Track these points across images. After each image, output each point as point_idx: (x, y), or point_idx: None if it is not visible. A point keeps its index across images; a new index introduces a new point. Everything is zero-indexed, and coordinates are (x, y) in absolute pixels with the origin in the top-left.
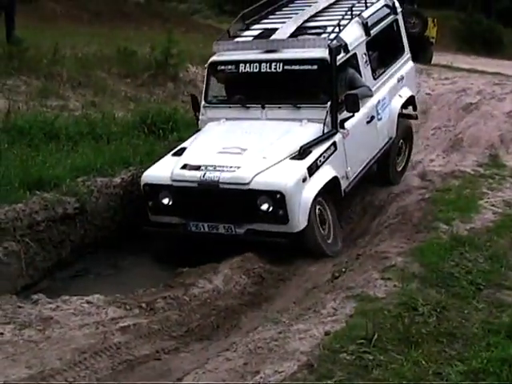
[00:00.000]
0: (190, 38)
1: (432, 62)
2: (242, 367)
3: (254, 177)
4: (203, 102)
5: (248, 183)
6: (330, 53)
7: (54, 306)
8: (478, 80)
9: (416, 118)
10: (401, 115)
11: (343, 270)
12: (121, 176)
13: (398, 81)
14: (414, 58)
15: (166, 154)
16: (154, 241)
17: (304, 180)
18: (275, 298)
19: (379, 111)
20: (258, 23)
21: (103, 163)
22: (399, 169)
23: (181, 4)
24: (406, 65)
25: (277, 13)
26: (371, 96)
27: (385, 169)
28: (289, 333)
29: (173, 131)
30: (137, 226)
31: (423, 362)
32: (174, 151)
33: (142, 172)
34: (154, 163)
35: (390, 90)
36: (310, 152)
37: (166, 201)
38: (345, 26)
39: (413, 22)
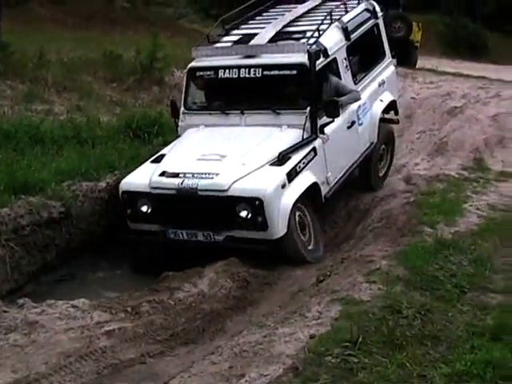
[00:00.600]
0: (175, 43)
1: (417, 66)
2: (227, 371)
3: (232, 184)
4: (182, 109)
5: (226, 190)
6: (309, 58)
7: (40, 310)
8: (463, 84)
9: (397, 122)
10: (382, 120)
11: (328, 273)
12: (106, 180)
13: (379, 85)
14: (399, 62)
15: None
16: (139, 245)
17: (283, 186)
18: (260, 302)
19: (360, 116)
20: (238, 28)
21: (88, 167)
22: (381, 174)
23: (167, 8)
24: (387, 69)
25: (257, 18)
26: (359, 99)
27: (366, 174)
28: (274, 336)
29: (158, 135)
30: (122, 231)
31: (408, 365)
32: (152, 158)
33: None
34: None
35: (370, 95)
36: (290, 158)
37: (144, 208)
38: (324, 30)
39: (398, 26)
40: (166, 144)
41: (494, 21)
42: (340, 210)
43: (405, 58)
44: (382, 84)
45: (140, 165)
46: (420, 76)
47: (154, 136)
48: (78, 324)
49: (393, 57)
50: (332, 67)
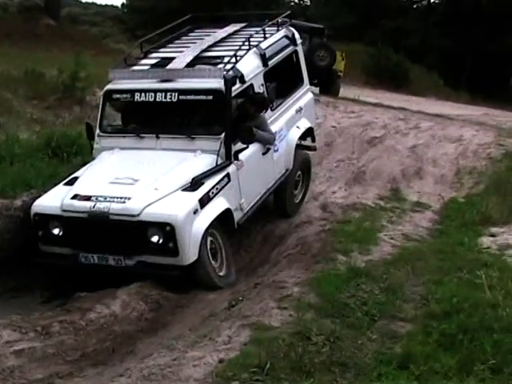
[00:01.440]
0: (99, 62)
1: (339, 95)
2: None
3: (144, 208)
4: (98, 131)
5: (138, 215)
6: (225, 83)
7: None
8: (384, 114)
9: (315, 149)
10: (299, 147)
11: (240, 298)
12: (22, 198)
13: (297, 112)
14: (322, 91)
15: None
16: (53, 264)
17: (195, 212)
18: (172, 325)
19: (276, 142)
20: (156, 51)
21: (5, 185)
22: (297, 200)
23: (93, 27)
24: (304, 96)
25: (176, 41)
26: (271, 145)
27: (281, 200)
28: (183, 359)
29: (77, 155)
30: (37, 250)
31: None
32: (65, 181)
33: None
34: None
35: (287, 122)
36: (203, 183)
37: (56, 231)
38: (242, 56)
39: (321, 55)
40: (85, 164)
41: (417, 53)
42: (256, 234)
43: (328, 86)
44: (299, 111)
45: (54, 186)
46: (342, 105)
47: (73, 155)
48: None
49: (315, 85)
50: (248, 93)
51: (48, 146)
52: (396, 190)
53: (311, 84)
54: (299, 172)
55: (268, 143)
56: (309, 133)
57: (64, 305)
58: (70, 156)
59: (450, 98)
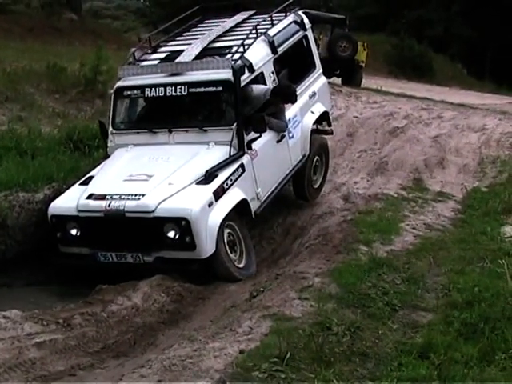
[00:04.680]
0: (121, 56)
1: (362, 86)
2: None
3: (158, 204)
4: (111, 129)
5: (153, 211)
6: (234, 74)
7: None
8: (406, 104)
9: (331, 133)
10: (315, 131)
11: (261, 289)
12: (44, 192)
13: (310, 97)
14: (344, 81)
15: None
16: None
17: (210, 205)
18: (193, 316)
19: (290, 129)
20: (166, 45)
21: (26, 179)
22: (316, 186)
23: (115, 21)
24: (317, 80)
25: (185, 34)
26: (284, 132)
27: (300, 186)
28: (204, 351)
29: (99, 148)
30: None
31: (334, 381)
32: (81, 181)
33: (65, 189)
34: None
35: (301, 107)
36: (216, 176)
37: (73, 232)
38: (249, 45)
39: (343, 45)
40: (106, 157)
41: (440, 43)
42: (278, 226)
43: (350, 77)
44: (312, 96)
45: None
46: (364, 95)
47: (95, 149)
48: (9, 335)
49: (337, 76)
50: (259, 82)
51: (70, 140)
52: (418, 179)
53: (333, 75)
54: (317, 157)
55: (280, 130)
56: (324, 117)
57: (86, 296)
58: (92, 149)
59: (474, 88)
